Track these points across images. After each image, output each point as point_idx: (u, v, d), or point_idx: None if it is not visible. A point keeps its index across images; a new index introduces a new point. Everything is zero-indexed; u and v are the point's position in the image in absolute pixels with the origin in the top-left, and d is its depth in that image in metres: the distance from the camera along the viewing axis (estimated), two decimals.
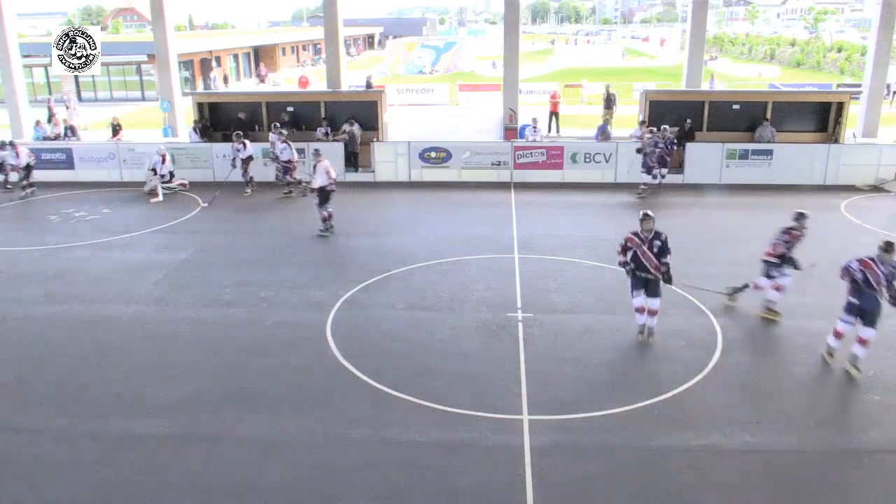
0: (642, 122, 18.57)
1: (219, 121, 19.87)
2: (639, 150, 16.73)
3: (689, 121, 18.43)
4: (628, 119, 23.97)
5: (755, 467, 6.65)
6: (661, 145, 16.46)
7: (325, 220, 13.87)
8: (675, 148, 17.12)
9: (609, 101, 24.61)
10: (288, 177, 16.98)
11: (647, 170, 16.54)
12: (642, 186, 16.59)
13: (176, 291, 11.08)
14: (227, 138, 19.11)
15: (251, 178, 17.24)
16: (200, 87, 39.62)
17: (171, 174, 17.05)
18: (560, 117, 24.91)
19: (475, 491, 6.39)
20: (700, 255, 12.62)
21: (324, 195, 13.68)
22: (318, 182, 13.60)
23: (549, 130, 23.98)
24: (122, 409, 7.75)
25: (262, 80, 48.01)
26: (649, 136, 16.79)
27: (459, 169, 18.25)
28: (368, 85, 27.38)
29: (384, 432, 7.25)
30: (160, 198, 16.65)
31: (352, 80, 31.77)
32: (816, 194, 16.89)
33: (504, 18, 22.24)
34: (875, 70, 20.93)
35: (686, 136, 18.37)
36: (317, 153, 13.93)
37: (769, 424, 7.30)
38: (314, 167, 13.71)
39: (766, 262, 9.77)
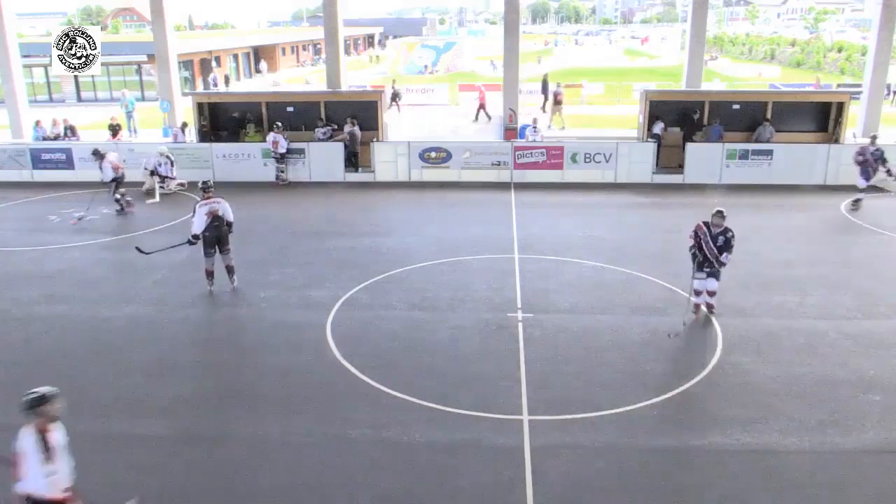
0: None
1: (219, 122, 19.86)
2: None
3: (697, 112, 18.44)
4: (628, 119, 24.00)
5: (755, 467, 6.65)
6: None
7: None
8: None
9: (556, 99, 24.71)
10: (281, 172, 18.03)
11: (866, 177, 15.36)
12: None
13: (176, 291, 11.08)
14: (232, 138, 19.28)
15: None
16: (200, 87, 39.62)
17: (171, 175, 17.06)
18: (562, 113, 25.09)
19: (475, 491, 6.38)
20: None
21: None
22: None
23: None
24: (122, 409, 7.74)
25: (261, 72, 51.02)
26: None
27: (459, 169, 18.25)
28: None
29: (384, 432, 7.24)
30: (157, 199, 16.68)
31: (352, 81, 31.84)
32: (816, 194, 16.91)
33: (504, 19, 22.20)
34: (875, 70, 20.91)
35: (695, 128, 18.38)
36: None
37: (769, 424, 7.29)
38: None
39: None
